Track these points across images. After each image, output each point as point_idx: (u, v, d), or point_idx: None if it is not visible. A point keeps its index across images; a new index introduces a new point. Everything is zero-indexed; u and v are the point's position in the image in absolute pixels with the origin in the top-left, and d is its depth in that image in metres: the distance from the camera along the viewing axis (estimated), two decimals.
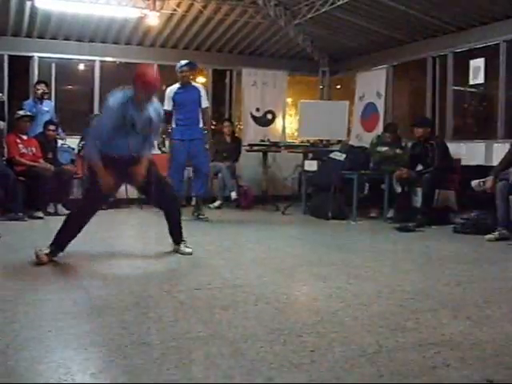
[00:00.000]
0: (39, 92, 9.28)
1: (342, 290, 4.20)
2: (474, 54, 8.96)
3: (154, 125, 5.26)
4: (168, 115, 7.63)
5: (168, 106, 7.89)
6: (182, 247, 5.53)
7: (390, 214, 8.77)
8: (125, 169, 5.05)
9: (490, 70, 8.67)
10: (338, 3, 8.84)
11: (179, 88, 8.01)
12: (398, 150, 9.17)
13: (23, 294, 3.92)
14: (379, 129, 10.28)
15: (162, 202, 5.46)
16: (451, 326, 3.38)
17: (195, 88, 8.07)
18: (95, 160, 4.95)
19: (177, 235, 5.59)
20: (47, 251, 4.89)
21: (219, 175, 10.03)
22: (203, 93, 8.07)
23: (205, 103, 8.05)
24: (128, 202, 10.03)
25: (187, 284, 4.36)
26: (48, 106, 9.51)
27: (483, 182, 7.04)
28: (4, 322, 3.26)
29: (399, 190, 8.71)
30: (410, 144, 9.14)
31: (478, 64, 8.78)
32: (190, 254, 5.46)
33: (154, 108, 5.23)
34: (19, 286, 4.15)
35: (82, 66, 11.19)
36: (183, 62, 8.05)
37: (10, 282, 4.30)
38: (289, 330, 3.23)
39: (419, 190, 8.60)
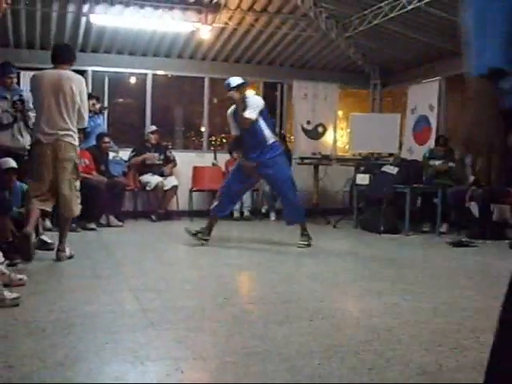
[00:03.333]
0: (97, 107, 9.36)
1: (397, 306, 4.13)
2: None
3: None
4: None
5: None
6: None
7: (443, 228, 8.64)
8: None
9: None
10: (390, 15, 8.76)
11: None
12: (450, 164, 9.03)
13: (79, 305, 3.95)
14: (431, 142, 10.13)
15: None
16: None
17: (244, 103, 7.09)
18: None
19: None
20: None
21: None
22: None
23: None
24: (179, 214, 10.12)
25: (241, 298, 4.35)
26: (100, 119, 9.66)
27: None
28: (61, 334, 3.28)
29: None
30: (466, 158, 8.96)
31: None
32: None
33: None
34: (74, 298, 4.20)
35: (134, 80, 11.34)
36: (232, 82, 7.08)
37: (66, 294, 4.36)
38: (345, 346, 3.17)
39: (474, 204, 8.43)
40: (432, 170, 9.09)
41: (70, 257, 5.78)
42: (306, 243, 7.03)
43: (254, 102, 7.04)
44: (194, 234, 7.00)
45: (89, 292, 4.38)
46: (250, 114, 6.89)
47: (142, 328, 3.44)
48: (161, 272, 5.42)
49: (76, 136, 5.77)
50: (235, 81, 7.07)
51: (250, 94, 7.25)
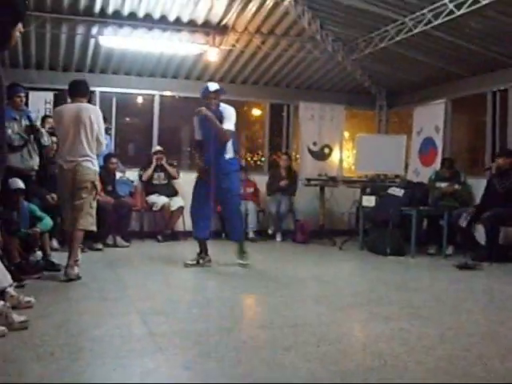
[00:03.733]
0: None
1: (404, 332, 4.14)
2: None
3: None
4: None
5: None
6: None
7: (450, 250, 8.64)
8: None
9: None
10: (397, 39, 8.82)
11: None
12: (456, 186, 9.06)
13: (87, 329, 3.97)
14: (437, 164, 10.15)
15: None
16: None
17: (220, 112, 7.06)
18: None
19: None
20: None
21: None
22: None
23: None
24: (185, 235, 10.14)
25: (248, 322, 4.36)
26: (108, 139, 9.70)
27: None
28: (70, 358, 3.30)
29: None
30: (476, 180, 9.00)
31: None
32: None
33: None
34: (83, 321, 4.23)
35: (141, 100, 11.42)
36: (211, 86, 7.10)
37: (74, 317, 4.37)
38: (352, 373, 3.19)
39: (480, 227, 8.44)
40: (438, 192, 9.11)
41: (79, 277, 5.82)
42: (245, 263, 7.09)
43: (232, 113, 7.05)
44: (197, 263, 7.06)
45: (97, 315, 4.41)
46: (230, 125, 6.96)
47: (150, 353, 3.46)
48: (167, 294, 5.44)
49: (96, 162, 6.26)
50: (214, 86, 7.13)
51: (222, 104, 7.19)
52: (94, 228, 6.22)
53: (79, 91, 6.34)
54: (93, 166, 6.15)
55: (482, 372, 3.28)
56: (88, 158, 6.10)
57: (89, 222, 6.08)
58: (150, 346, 3.61)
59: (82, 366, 3.16)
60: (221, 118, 6.94)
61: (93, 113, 6.23)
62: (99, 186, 6.59)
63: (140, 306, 4.82)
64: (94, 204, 6.19)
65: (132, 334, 3.87)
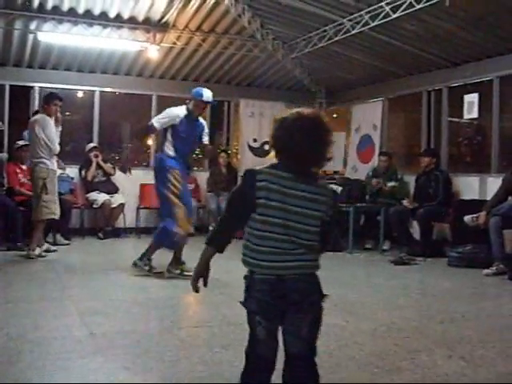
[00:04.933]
0: None
1: (338, 328, 4.28)
2: (468, 89, 9.12)
3: None
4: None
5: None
6: None
7: (386, 245, 8.89)
8: None
9: (484, 105, 8.81)
10: (335, 39, 8.99)
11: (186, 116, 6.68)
12: (393, 183, 9.30)
13: (27, 331, 3.98)
14: (375, 161, 10.39)
15: None
16: (446, 366, 3.46)
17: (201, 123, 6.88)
18: None
19: None
20: None
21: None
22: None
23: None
24: (126, 232, 10.16)
25: (187, 321, 4.44)
26: None
27: (476, 217, 7.15)
28: (9, 361, 3.33)
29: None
30: (412, 177, 9.26)
31: (472, 99, 8.93)
32: None
33: None
34: (22, 324, 4.22)
35: (81, 96, 11.32)
36: (209, 96, 6.64)
37: (12, 319, 4.37)
38: None
39: (415, 223, 8.72)
40: (371, 187, 9.38)
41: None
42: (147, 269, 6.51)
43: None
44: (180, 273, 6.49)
45: (37, 317, 4.41)
46: (207, 139, 6.87)
47: (90, 354, 3.51)
48: (108, 294, 5.47)
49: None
50: (209, 97, 6.61)
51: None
52: None
53: None
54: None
55: (410, 365, 3.45)
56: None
57: None
58: (90, 347, 3.66)
59: (21, 369, 3.19)
60: (201, 132, 6.75)
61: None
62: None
63: (80, 306, 4.85)
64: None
65: (72, 336, 3.91)
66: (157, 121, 6.57)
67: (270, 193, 2.34)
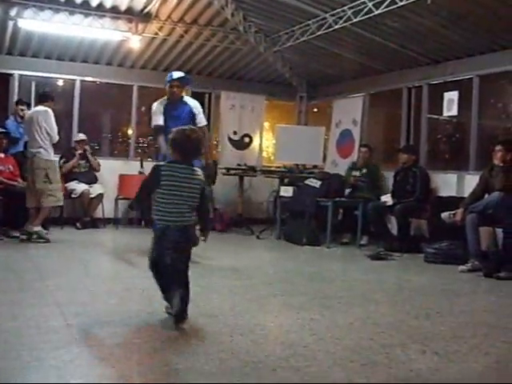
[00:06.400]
0: (23, 113, 9.22)
1: (314, 322, 4.31)
2: (448, 86, 9.19)
3: None
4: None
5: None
6: None
7: (364, 240, 8.95)
8: None
9: (464, 103, 8.89)
10: (318, 33, 9.02)
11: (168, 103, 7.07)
12: (364, 179, 9.41)
13: (2, 321, 3.94)
14: (354, 156, 10.45)
15: None
16: (419, 361, 3.50)
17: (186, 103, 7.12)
18: None
19: None
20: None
21: None
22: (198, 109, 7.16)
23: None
24: (104, 222, 10.12)
25: (164, 312, 4.41)
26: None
27: (453, 214, 7.23)
28: None
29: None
30: (391, 172, 9.32)
31: (452, 97, 9.01)
32: None
33: None
34: None
35: (62, 85, 11.24)
36: (175, 74, 7.11)
37: None
38: (263, 363, 3.32)
39: (393, 218, 8.79)
40: (351, 181, 9.46)
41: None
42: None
43: (199, 105, 7.13)
44: None
45: (13, 306, 4.38)
46: (204, 120, 7.08)
47: (66, 345, 3.49)
48: (86, 284, 5.46)
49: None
50: (177, 73, 7.12)
51: (186, 96, 7.30)
52: None
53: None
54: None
55: (385, 360, 3.48)
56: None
57: None
58: (66, 338, 3.65)
59: None
60: (190, 113, 6.95)
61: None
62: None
63: (58, 296, 4.83)
64: None
65: (49, 326, 3.88)
66: (153, 120, 7.03)
67: (170, 177, 4.03)
